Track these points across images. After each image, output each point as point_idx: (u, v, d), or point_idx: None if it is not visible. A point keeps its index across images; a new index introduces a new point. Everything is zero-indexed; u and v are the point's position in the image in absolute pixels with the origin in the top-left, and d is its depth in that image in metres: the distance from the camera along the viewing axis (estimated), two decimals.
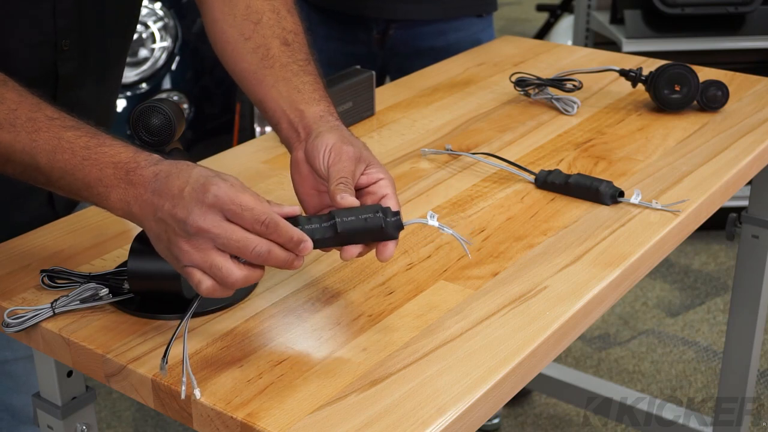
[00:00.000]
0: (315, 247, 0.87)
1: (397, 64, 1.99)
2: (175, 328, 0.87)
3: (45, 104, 0.92)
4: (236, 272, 0.84)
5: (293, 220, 0.87)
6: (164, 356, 0.85)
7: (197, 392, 0.85)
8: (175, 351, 0.90)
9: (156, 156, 0.89)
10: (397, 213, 0.91)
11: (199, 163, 1.10)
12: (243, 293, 1.00)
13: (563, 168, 1.29)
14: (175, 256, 0.85)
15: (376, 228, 0.89)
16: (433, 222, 0.93)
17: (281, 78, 1.06)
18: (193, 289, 0.96)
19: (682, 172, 1.28)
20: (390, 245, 0.91)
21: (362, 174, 0.96)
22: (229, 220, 0.83)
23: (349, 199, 0.90)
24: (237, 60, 1.10)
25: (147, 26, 2.68)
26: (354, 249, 0.90)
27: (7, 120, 0.90)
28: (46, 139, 0.89)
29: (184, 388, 0.84)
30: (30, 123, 0.90)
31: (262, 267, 0.86)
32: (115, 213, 0.89)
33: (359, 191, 0.96)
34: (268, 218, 0.83)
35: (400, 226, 0.90)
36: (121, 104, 2.61)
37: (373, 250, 0.92)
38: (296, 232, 0.85)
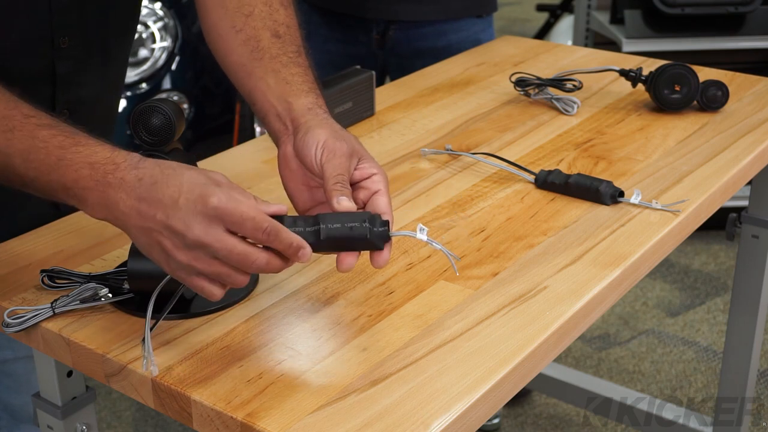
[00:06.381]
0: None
1: (397, 64, 1.99)
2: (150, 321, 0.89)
3: (22, 102, 0.90)
4: (240, 274, 0.85)
5: (278, 219, 0.86)
6: (144, 338, 0.87)
7: (154, 369, 0.87)
8: (170, 354, 0.91)
9: (135, 155, 0.87)
10: (386, 223, 0.89)
11: (198, 163, 1.11)
12: (243, 293, 1.00)
13: (563, 168, 1.29)
14: (173, 268, 0.85)
15: (361, 237, 0.87)
16: (422, 236, 0.90)
17: (270, 70, 1.05)
18: (192, 290, 0.96)
19: (682, 172, 1.28)
20: (381, 255, 0.89)
21: (355, 169, 0.95)
22: (229, 231, 0.83)
23: (345, 204, 0.89)
24: (227, 53, 1.09)
25: (147, 26, 2.67)
26: (351, 259, 0.89)
27: None
28: (20, 138, 0.87)
29: (145, 362, 0.87)
30: (5, 121, 0.88)
31: None
32: (94, 216, 0.87)
33: (351, 186, 0.95)
34: (270, 226, 0.83)
35: (386, 238, 0.88)
36: (121, 104, 2.61)
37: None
38: (296, 239, 0.85)
